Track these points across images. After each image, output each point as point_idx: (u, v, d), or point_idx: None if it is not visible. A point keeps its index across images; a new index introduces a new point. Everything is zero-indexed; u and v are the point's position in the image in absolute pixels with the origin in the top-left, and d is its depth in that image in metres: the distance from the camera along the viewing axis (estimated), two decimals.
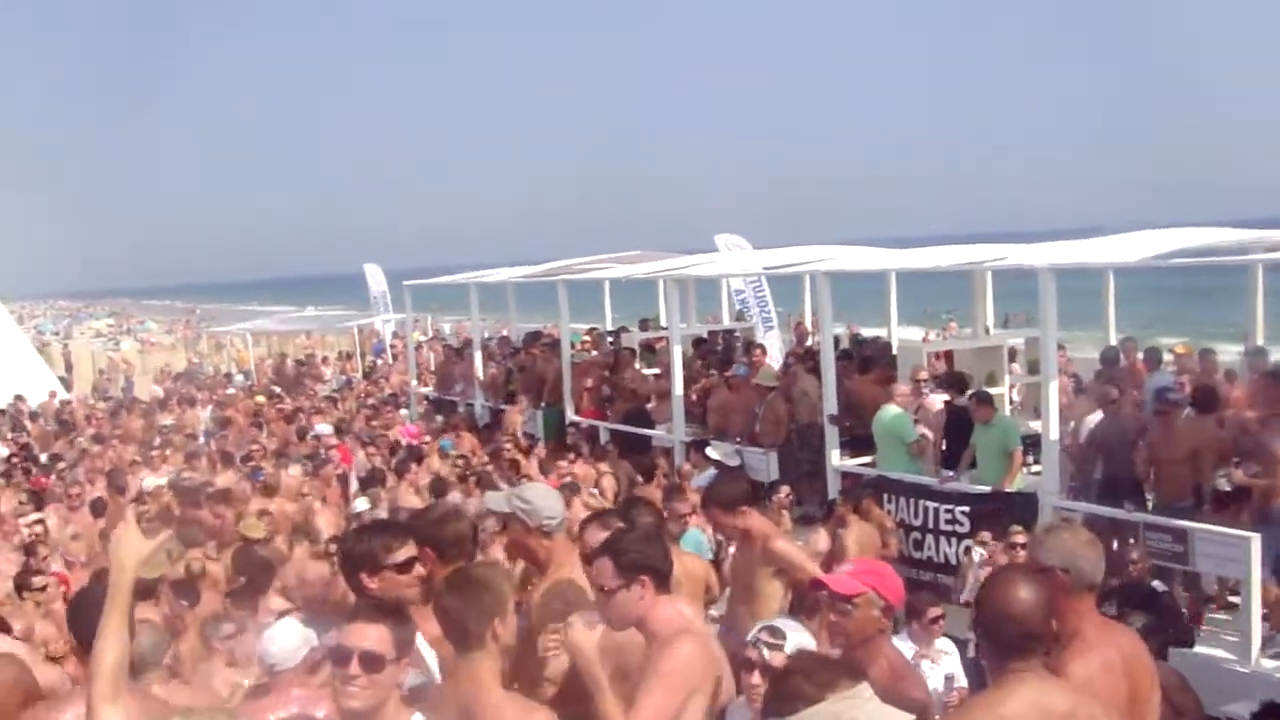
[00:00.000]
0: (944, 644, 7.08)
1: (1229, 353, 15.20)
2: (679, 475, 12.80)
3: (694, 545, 8.78)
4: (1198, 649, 8.77)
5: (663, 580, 4.24)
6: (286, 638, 5.01)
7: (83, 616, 4.28)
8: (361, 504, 12.24)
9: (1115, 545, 9.28)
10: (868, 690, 3.02)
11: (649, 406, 16.42)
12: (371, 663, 3.43)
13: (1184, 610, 9.18)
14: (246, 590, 8.03)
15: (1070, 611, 3.93)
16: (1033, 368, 13.23)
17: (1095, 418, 11.36)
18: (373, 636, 3.46)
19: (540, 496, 5.05)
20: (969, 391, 12.14)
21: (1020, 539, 8.84)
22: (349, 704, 3.45)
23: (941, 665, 6.84)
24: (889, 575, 4.40)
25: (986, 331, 15.28)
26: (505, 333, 24.75)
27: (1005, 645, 3.51)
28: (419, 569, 4.45)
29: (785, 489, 11.39)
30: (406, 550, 4.43)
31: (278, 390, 26.77)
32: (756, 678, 3.90)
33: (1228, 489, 9.71)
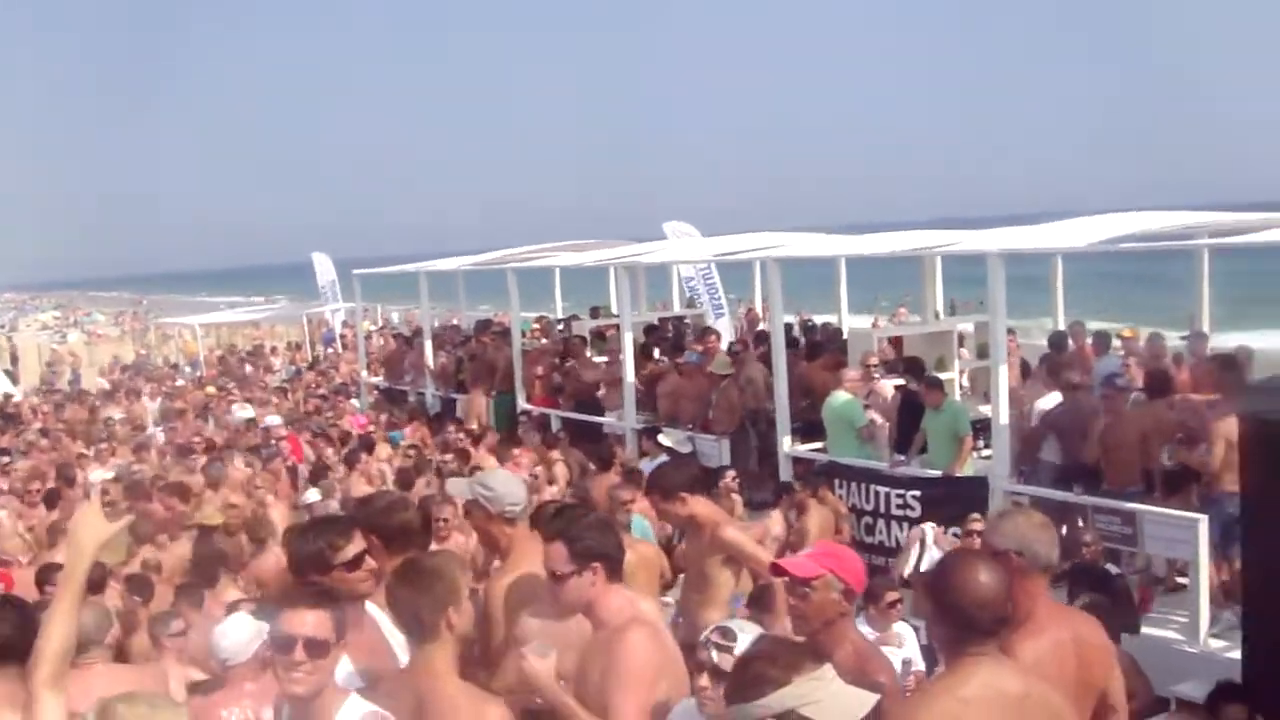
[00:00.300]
0: (901, 628, 7.08)
1: (1173, 338, 15.31)
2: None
3: (639, 532, 8.74)
4: (1147, 631, 8.84)
5: (614, 569, 4.22)
6: (238, 632, 4.96)
7: None
8: (313, 495, 12.13)
9: (1065, 529, 9.33)
10: (831, 671, 3.00)
11: (599, 394, 16.39)
12: (315, 648, 3.39)
13: (1134, 594, 9.25)
14: (198, 582, 7.95)
15: (1024, 594, 3.94)
16: (982, 352, 13.29)
17: (1045, 402, 11.42)
18: (312, 622, 3.42)
19: (502, 483, 5.03)
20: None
21: (978, 526, 8.85)
22: (293, 689, 3.42)
23: (899, 650, 6.84)
24: (849, 558, 4.39)
25: (936, 317, 15.33)
26: (455, 321, 24.57)
27: (965, 628, 3.48)
28: (370, 562, 4.34)
29: (731, 473, 11.33)
30: (354, 546, 4.30)
31: (231, 385, 26.48)
32: (705, 680, 3.86)
33: (1168, 464, 9.79)
